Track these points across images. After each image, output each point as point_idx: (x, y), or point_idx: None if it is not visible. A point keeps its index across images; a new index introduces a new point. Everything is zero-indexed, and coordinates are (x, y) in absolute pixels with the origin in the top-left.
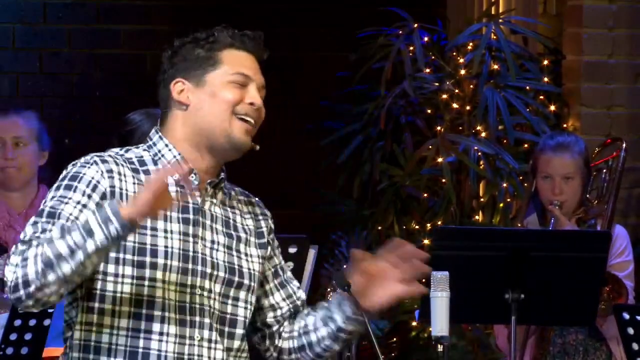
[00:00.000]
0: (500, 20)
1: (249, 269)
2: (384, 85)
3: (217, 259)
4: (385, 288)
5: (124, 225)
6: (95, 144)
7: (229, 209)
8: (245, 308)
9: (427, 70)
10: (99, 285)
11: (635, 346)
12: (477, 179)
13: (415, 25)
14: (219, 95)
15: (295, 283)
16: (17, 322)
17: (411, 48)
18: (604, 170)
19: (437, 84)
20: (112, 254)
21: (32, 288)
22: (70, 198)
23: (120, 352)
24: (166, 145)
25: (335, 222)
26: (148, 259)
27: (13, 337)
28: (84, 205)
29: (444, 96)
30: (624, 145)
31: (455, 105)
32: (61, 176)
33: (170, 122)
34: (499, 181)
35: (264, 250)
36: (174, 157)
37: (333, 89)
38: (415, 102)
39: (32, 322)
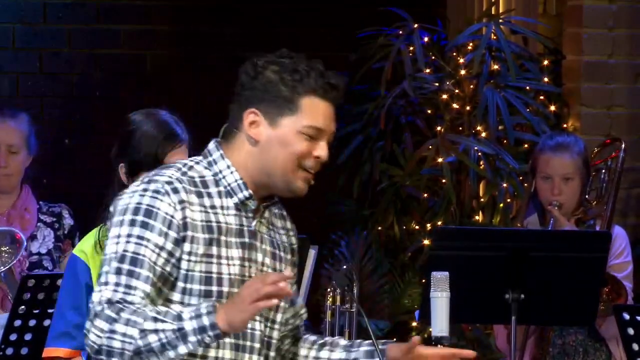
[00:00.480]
0: (500, 20)
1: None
2: (384, 85)
3: None
4: None
5: (219, 336)
6: (95, 144)
7: (271, 226)
8: (278, 330)
9: (427, 70)
10: None
11: (635, 346)
12: (477, 179)
13: (415, 25)
14: (289, 144)
15: (300, 300)
16: (17, 323)
17: (411, 48)
18: (603, 171)
19: (437, 84)
20: (180, 284)
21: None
22: (148, 240)
23: None
24: (228, 167)
25: (335, 222)
26: (215, 288)
27: (13, 337)
28: (162, 248)
29: (444, 96)
30: (622, 145)
31: (455, 106)
32: (131, 206)
33: (236, 145)
34: (499, 181)
35: (295, 268)
36: (235, 181)
37: None
38: (415, 102)
39: (32, 323)
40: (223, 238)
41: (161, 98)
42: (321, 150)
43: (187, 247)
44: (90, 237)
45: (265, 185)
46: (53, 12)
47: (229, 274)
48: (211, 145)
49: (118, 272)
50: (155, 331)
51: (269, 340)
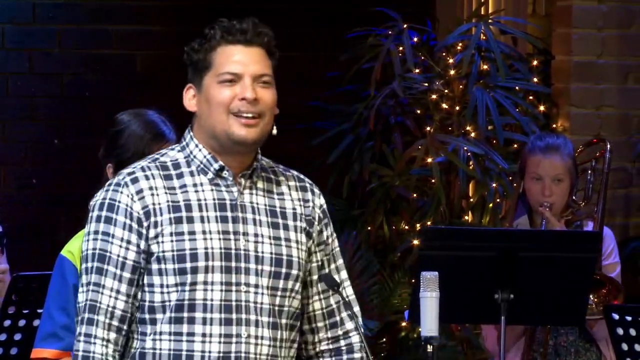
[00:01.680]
0: (490, 21)
1: (298, 257)
2: (374, 85)
3: (262, 252)
4: None
5: None
6: (86, 144)
7: (275, 195)
8: (294, 298)
9: (417, 70)
10: (147, 297)
11: (624, 346)
12: (466, 179)
13: (405, 25)
14: (212, 98)
15: (341, 276)
16: (7, 323)
17: (400, 48)
18: (589, 172)
19: (426, 84)
20: (155, 266)
21: None
22: (113, 236)
23: (164, 356)
24: (196, 146)
25: None
26: (188, 265)
27: (2, 337)
28: (128, 242)
29: (434, 96)
30: (608, 146)
31: (444, 106)
32: (99, 200)
33: (194, 124)
34: (488, 181)
35: (309, 240)
36: (204, 156)
37: (324, 89)
38: (405, 102)
39: (22, 323)
40: (196, 214)
41: (152, 98)
42: (242, 91)
43: (152, 232)
44: (79, 238)
45: (221, 148)
46: (44, 12)
47: (206, 248)
48: (186, 131)
49: (89, 271)
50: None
51: (273, 308)
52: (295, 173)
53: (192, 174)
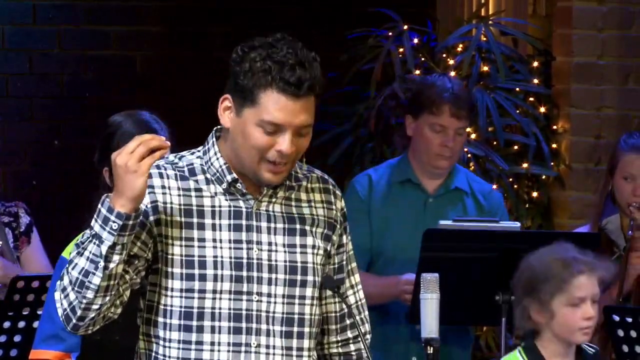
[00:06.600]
0: (490, 22)
1: (313, 262)
2: (374, 86)
3: (276, 260)
4: None
5: (120, 215)
6: (85, 144)
7: (294, 202)
8: (312, 305)
9: (417, 71)
10: (155, 297)
11: (625, 348)
12: None
13: (405, 26)
14: (249, 136)
15: (355, 279)
16: (7, 325)
17: (401, 49)
18: None
19: None
20: (163, 267)
21: (79, 312)
22: None
23: None
24: (215, 154)
25: None
26: (196, 271)
27: (2, 339)
28: None
29: None
30: None
31: None
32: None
33: (222, 131)
34: (488, 183)
35: (328, 243)
36: (220, 166)
37: (323, 90)
38: (406, 103)
39: (22, 325)
40: (208, 221)
41: (152, 99)
42: (282, 144)
43: (163, 230)
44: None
45: (245, 172)
46: (43, 13)
47: (215, 257)
48: (210, 135)
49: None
50: (80, 254)
51: (291, 317)
52: (319, 174)
53: (207, 181)
